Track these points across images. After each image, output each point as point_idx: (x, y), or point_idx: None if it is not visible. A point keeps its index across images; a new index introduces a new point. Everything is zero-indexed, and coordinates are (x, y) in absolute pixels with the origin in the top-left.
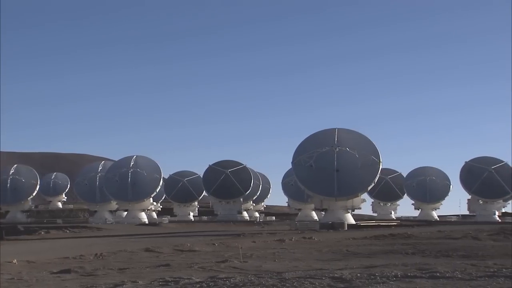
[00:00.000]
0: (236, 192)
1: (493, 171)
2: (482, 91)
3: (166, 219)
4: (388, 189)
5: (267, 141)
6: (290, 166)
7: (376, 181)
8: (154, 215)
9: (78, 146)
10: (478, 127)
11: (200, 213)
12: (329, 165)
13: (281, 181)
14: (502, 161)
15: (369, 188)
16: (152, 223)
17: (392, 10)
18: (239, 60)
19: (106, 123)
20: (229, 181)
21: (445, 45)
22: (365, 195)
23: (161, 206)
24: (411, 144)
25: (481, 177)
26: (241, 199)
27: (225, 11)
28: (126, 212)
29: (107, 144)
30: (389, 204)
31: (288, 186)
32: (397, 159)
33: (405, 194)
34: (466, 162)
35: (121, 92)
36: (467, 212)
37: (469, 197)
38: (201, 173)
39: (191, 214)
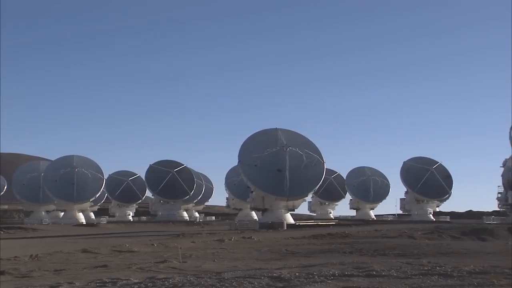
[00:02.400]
0: (181, 192)
1: (434, 171)
2: (414, 92)
3: (104, 219)
4: (332, 189)
5: (202, 140)
6: (229, 166)
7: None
8: (92, 215)
9: (11, 145)
10: (406, 128)
11: (138, 213)
12: (279, 165)
13: (224, 181)
14: (437, 162)
15: (317, 187)
16: (89, 223)
17: (326, 12)
18: (176, 59)
19: (39, 122)
20: (174, 181)
21: (380, 46)
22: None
23: (98, 206)
24: (340, 144)
25: (423, 177)
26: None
27: (158, 10)
28: (63, 213)
29: (40, 143)
30: (327, 203)
31: (231, 186)
32: (329, 159)
33: (347, 194)
34: (404, 162)
35: (54, 91)
36: (400, 212)
37: (403, 196)
38: (139, 172)
39: (130, 214)
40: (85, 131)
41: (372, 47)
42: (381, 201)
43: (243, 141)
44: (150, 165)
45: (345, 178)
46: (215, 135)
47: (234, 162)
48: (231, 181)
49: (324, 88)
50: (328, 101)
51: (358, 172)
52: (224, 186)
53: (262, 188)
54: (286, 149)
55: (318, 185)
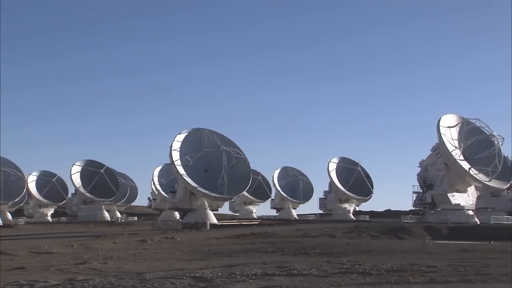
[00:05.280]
0: (107, 192)
1: (361, 170)
2: (329, 93)
3: (22, 220)
4: (259, 188)
5: (117, 140)
6: (150, 166)
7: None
8: (9, 216)
9: None
10: (320, 128)
11: (57, 214)
12: (209, 165)
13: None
14: (356, 162)
15: (247, 186)
16: (6, 224)
17: (247, 11)
18: (97, 58)
19: None
20: (100, 181)
21: (301, 47)
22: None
23: (17, 207)
24: (253, 143)
25: (350, 176)
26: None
27: (75, 11)
28: None
29: None
30: (253, 202)
31: (161, 185)
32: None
33: (273, 193)
34: (331, 162)
35: None
36: (320, 211)
37: (322, 195)
38: (57, 172)
39: (49, 215)
40: None
41: (293, 48)
42: (308, 200)
43: (156, 141)
44: (73, 164)
45: (269, 178)
46: (132, 135)
47: (153, 161)
48: (160, 181)
49: (237, 87)
50: (235, 101)
51: (284, 172)
52: (152, 185)
53: (203, 187)
54: (222, 149)
55: (249, 184)
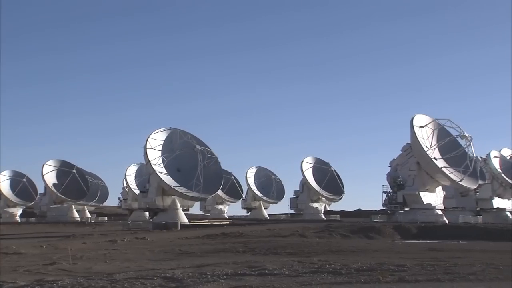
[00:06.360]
0: (79, 192)
1: (333, 170)
2: (298, 92)
3: None
4: (232, 188)
5: (82, 140)
6: (118, 166)
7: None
8: None
9: None
10: (287, 128)
11: (26, 214)
12: (182, 165)
13: (124, 179)
14: (327, 162)
15: (221, 186)
16: None
17: (221, 11)
18: (65, 57)
19: None
20: (73, 181)
21: (271, 46)
22: None
23: None
24: (220, 143)
25: (323, 176)
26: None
27: (48, 10)
28: None
29: None
30: (228, 202)
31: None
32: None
33: (245, 192)
34: (304, 162)
35: None
36: (291, 211)
37: (292, 196)
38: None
39: (17, 215)
40: None
41: (264, 47)
42: (280, 199)
43: (124, 141)
44: (44, 164)
45: (239, 177)
46: (98, 135)
47: (122, 161)
48: (135, 180)
49: (207, 87)
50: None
51: (257, 172)
52: (124, 184)
53: (184, 187)
54: (197, 149)
55: (222, 184)
